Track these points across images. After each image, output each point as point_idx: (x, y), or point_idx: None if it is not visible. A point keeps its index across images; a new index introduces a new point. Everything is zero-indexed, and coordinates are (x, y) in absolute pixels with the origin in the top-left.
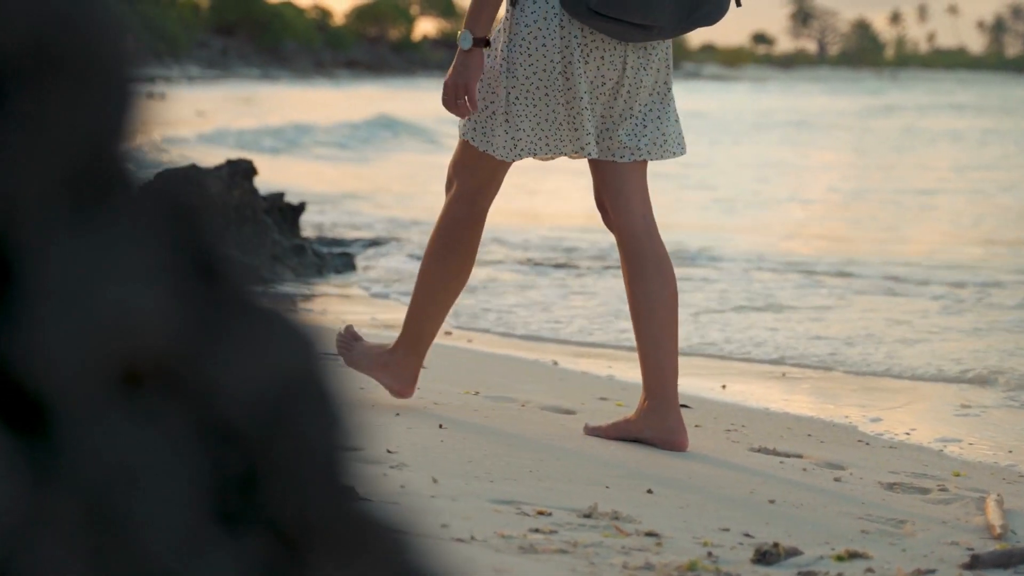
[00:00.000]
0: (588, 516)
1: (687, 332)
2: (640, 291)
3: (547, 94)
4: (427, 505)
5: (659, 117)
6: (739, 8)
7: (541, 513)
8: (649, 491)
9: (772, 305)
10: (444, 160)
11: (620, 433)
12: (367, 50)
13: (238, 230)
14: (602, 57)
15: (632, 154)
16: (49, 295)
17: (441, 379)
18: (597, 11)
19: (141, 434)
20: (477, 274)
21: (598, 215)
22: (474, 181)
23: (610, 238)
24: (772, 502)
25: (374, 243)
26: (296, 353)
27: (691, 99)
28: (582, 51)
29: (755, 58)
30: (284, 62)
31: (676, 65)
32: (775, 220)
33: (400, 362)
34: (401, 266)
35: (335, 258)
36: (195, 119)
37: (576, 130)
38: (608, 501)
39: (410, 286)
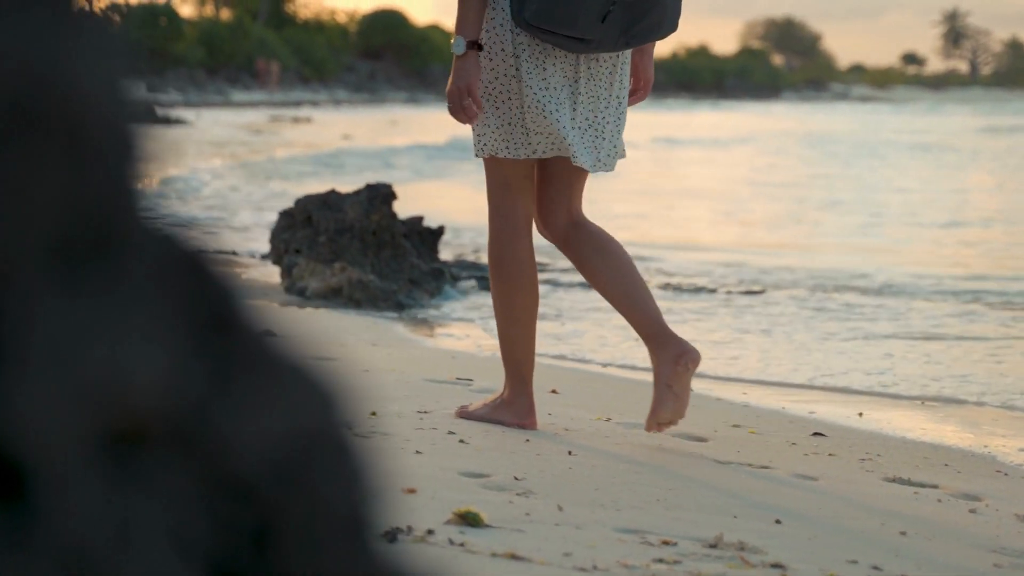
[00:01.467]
0: (713, 546)
1: (831, 358)
2: (595, 276)
3: (506, 98)
4: (551, 533)
5: (614, 130)
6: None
7: (666, 543)
8: (777, 521)
9: (925, 333)
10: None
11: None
12: None
13: (376, 254)
14: (554, 65)
15: (594, 166)
16: (30, 358)
17: (573, 405)
18: (531, 23)
19: (132, 496)
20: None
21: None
22: (499, 195)
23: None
24: (903, 534)
25: None
26: (314, 408)
27: (838, 120)
28: (534, 59)
29: (905, 79)
30: (430, 85)
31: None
32: (931, 245)
33: (513, 397)
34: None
35: (473, 281)
36: (341, 141)
37: (527, 134)
38: (735, 531)
39: (540, 304)
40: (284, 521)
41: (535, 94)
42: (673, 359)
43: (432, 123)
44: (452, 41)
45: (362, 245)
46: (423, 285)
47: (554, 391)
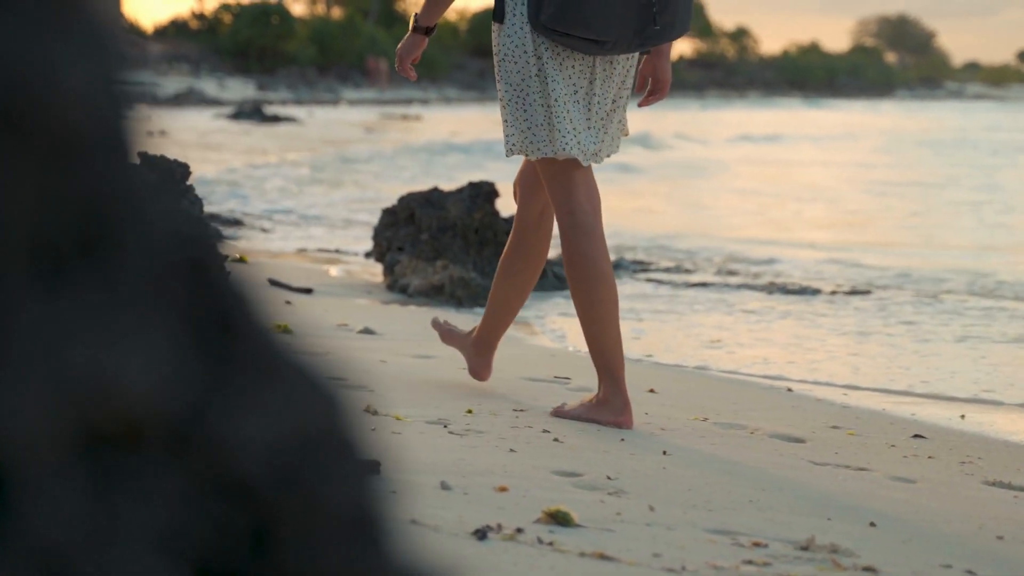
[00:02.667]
0: (805, 549)
1: (935, 361)
2: (508, 260)
3: (532, 99)
4: (641, 533)
5: (617, 130)
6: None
7: (757, 544)
8: (872, 524)
9: None
10: (680, 181)
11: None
12: None
13: (478, 252)
14: (573, 66)
15: (586, 159)
16: (9, 358)
17: (671, 405)
18: (549, 26)
19: (118, 497)
20: (722, 297)
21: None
22: (558, 193)
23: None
24: (1000, 538)
25: (615, 265)
26: (315, 410)
27: (951, 118)
28: (555, 60)
29: (1021, 77)
30: None
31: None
32: None
33: (607, 396)
34: (642, 287)
35: None
36: (449, 138)
37: (552, 131)
38: (828, 533)
39: (644, 301)
40: (283, 522)
41: (560, 92)
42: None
43: None
44: (412, 16)
45: (464, 243)
46: None
47: (652, 390)
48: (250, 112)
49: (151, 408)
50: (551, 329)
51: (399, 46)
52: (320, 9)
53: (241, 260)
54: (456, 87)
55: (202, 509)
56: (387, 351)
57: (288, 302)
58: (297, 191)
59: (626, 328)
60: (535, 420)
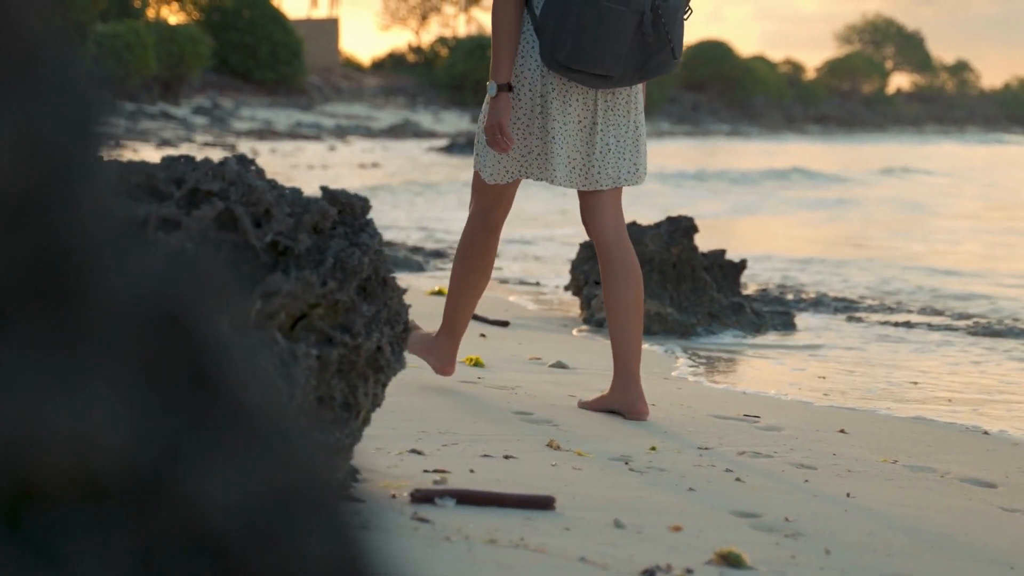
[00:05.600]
0: None
1: None
2: (610, 288)
3: (528, 130)
4: None
5: (634, 150)
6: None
7: None
8: None
9: None
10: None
11: (599, 406)
12: (838, 105)
13: (675, 287)
14: (578, 100)
15: (613, 182)
16: None
17: (861, 446)
18: (565, 64)
19: (55, 554)
20: (926, 337)
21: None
22: (484, 201)
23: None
24: None
25: (816, 303)
26: (291, 466)
27: None
28: (561, 96)
29: None
30: (754, 118)
31: None
32: None
33: (441, 345)
34: (841, 326)
35: (775, 317)
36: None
37: (547, 161)
38: None
39: (839, 339)
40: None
41: (560, 127)
42: (625, 404)
43: (749, 154)
44: (488, 84)
45: (661, 277)
46: (723, 319)
47: (842, 431)
48: (463, 145)
49: (97, 462)
50: (744, 367)
51: (489, 117)
52: None
53: (439, 293)
54: (669, 120)
55: (167, 567)
56: (577, 385)
57: (483, 335)
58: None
59: (820, 368)
60: (719, 459)
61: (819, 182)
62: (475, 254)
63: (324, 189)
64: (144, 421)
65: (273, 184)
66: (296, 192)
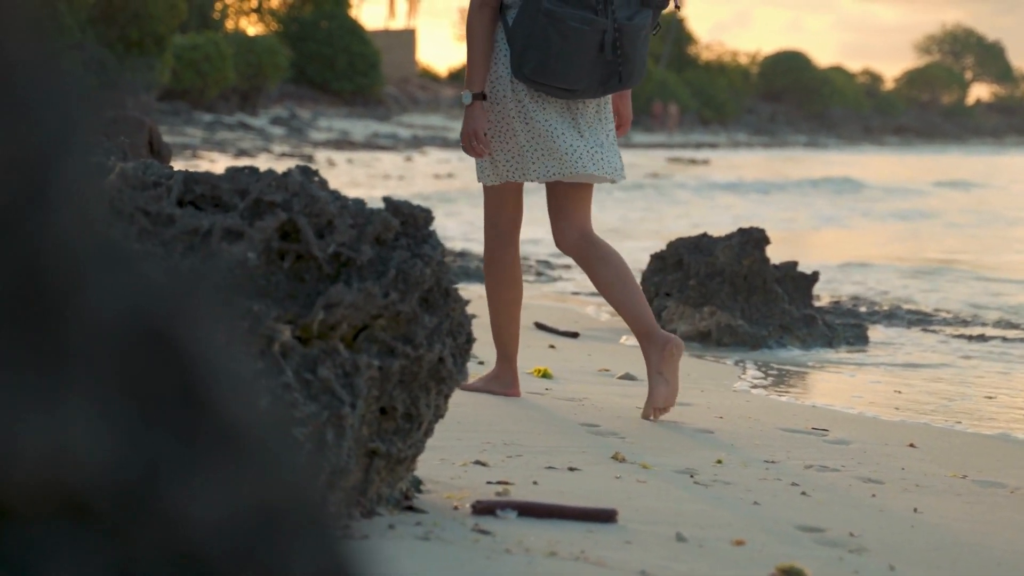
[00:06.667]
0: None
1: None
2: (599, 282)
3: (512, 135)
4: None
5: (613, 151)
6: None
7: None
8: None
9: None
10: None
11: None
12: (917, 116)
13: (746, 299)
14: (551, 104)
15: (612, 175)
16: None
17: (930, 460)
18: (531, 78)
19: (44, 571)
20: (1003, 351)
21: None
22: (488, 209)
23: None
24: None
25: (890, 315)
26: (277, 484)
27: None
28: (535, 101)
29: None
30: (831, 128)
31: None
32: None
33: (500, 371)
34: (914, 339)
35: (847, 329)
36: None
37: (531, 162)
38: None
39: (912, 353)
40: None
41: (544, 124)
42: (660, 347)
43: (825, 164)
44: (462, 94)
45: (732, 289)
46: (794, 331)
47: (912, 445)
48: None
49: (75, 478)
50: (815, 380)
51: (464, 125)
52: None
53: None
54: (746, 131)
55: None
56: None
57: (552, 346)
58: None
59: (892, 381)
60: (785, 473)
61: (895, 194)
62: (496, 268)
63: (387, 200)
64: (125, 437)
65: (336, 195)
66: (359, 203)
